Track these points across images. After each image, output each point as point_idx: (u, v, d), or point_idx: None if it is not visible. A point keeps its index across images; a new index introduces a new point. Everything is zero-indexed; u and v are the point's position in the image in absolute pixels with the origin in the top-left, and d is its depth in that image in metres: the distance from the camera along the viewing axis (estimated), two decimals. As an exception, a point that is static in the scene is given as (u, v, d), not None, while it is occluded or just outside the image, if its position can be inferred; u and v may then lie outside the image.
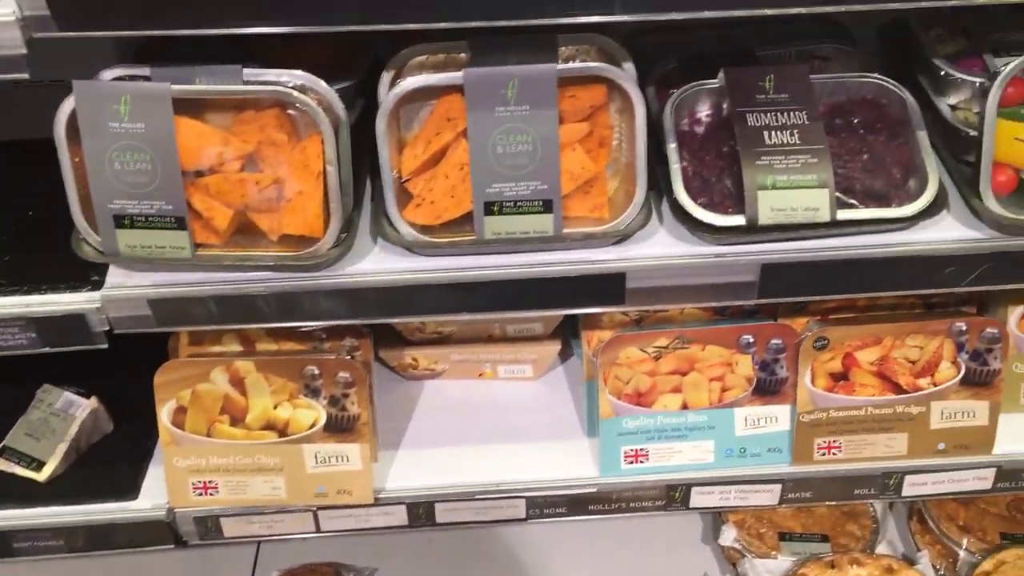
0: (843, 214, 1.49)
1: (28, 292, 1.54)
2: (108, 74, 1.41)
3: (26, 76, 1.24)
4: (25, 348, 1.56)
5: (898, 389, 1.78)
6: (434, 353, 2.02)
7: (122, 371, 1.79)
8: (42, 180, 1.49)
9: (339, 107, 1.45)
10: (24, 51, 1.22)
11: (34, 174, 1.53)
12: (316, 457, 1.76)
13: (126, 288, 1.51)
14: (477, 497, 1.84)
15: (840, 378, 1.78)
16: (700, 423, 1.81)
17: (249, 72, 1.41)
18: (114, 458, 1.89)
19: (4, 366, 1.67)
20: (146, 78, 1.40)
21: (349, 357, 1.77)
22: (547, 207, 1.48)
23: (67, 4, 1.20)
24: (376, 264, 1.52)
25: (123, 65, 1.42)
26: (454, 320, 1.97)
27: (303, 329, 1.77)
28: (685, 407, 1.80)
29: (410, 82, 1.44)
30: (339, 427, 1.74)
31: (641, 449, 1.82)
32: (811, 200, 1.47)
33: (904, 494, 1.88)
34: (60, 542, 1.82)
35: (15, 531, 1.80)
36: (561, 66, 1.43)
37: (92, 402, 1.89)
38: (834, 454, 1.83)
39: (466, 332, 2.01)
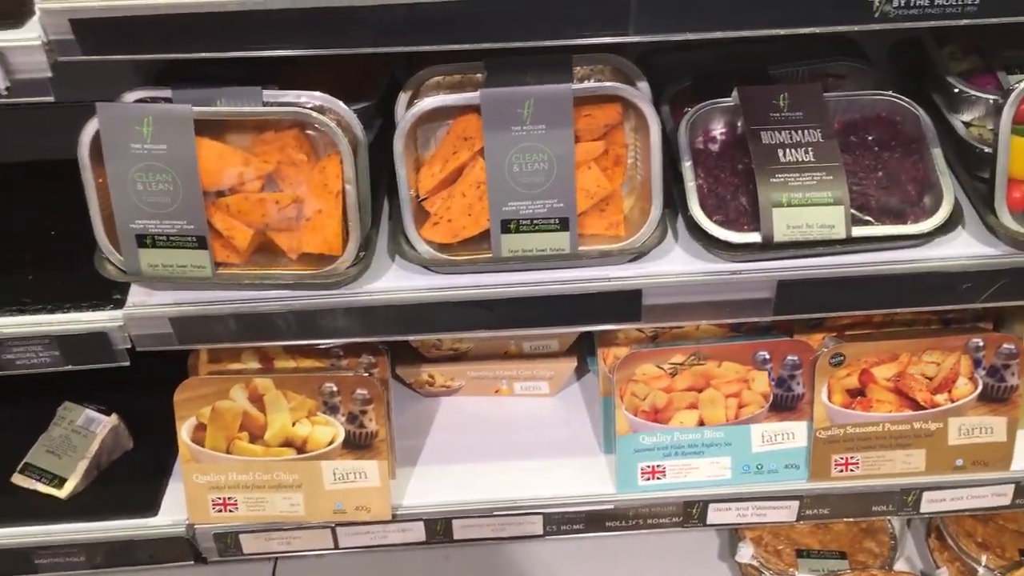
0: (859, 231, 1.50)
1: (51, 311, 1.56)
2: (131, 96, 1.43)
3: (51, 99, 1.27)
4: (48, 366, 1.58)
5: (915, 405, 1.78)
6: (451, 370, 2.03)
7: (142, 388, 1.80)
8: (65, 200, 1.50)
9: (357, 127, 1.46)
10: (50, 74, 1.24)
11: (58, 194, 1.55)
12: (334, 474, 1.77)
13: (148, 307, 1.53)
14: (494, 513, 1.84)
15: (857, 394, 1.78)
16: (717, 439, 1.81)
17: (268, 93, 1.43)
18: (134, 475, 1.90)
19: (26, 384, 1.69)
20: (168, 100, 1.42)
21: (367, 374, 1.78)
22: (563, 225, 1.49)
23: (91, 29, 1.22)
24: (394, 282, 1.54)
25: (145, 87, 1.44)
26: (471, 337, 1.98)
27: (321, 346, 1.79)
28: (702, 423, 1.80)
29: (427, 102, 1.45)
30: (357, 444, 1.75)
31: (658, 465, 1.82)
32: (826, 217, 1.48)
33: (922, 511, 1.88)
34: (81, 558, 1.84)
35: (36, 547, 1.82)
36: (576, 86, 1.44)
37: (113, 419, 1.90)
38: (852, 470, 1.82)
39: (482, 349, 2.02)
